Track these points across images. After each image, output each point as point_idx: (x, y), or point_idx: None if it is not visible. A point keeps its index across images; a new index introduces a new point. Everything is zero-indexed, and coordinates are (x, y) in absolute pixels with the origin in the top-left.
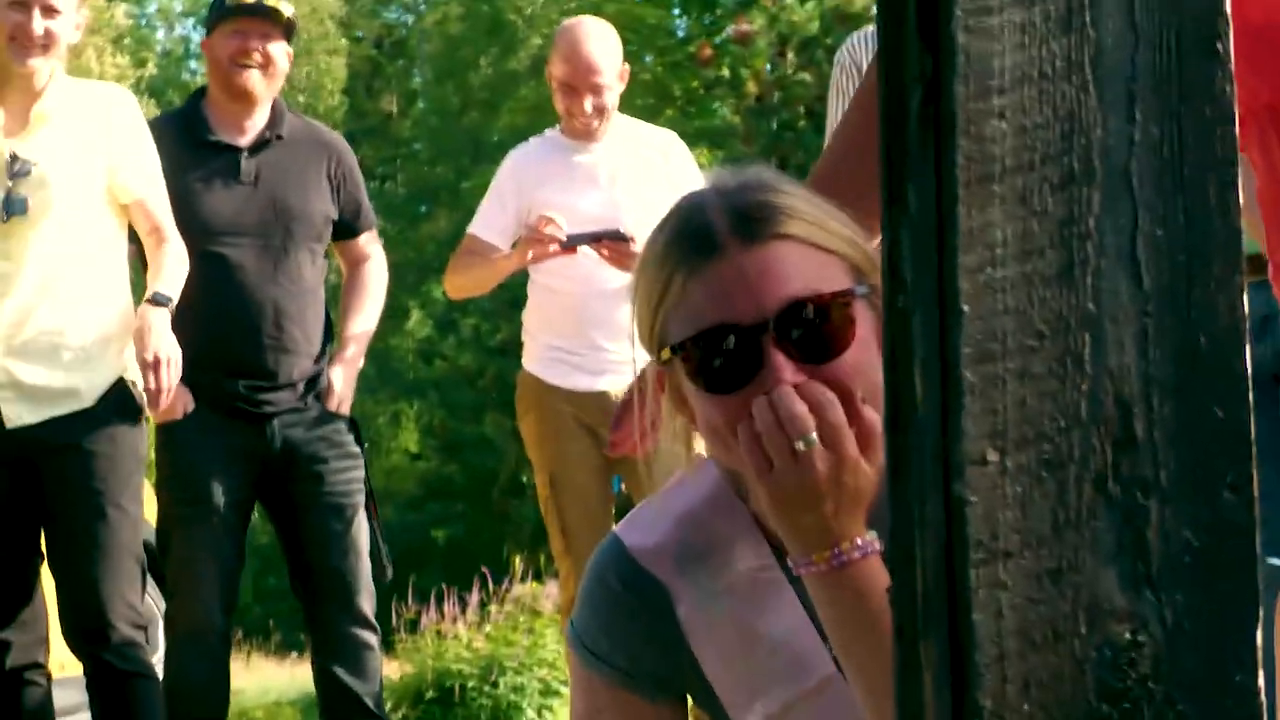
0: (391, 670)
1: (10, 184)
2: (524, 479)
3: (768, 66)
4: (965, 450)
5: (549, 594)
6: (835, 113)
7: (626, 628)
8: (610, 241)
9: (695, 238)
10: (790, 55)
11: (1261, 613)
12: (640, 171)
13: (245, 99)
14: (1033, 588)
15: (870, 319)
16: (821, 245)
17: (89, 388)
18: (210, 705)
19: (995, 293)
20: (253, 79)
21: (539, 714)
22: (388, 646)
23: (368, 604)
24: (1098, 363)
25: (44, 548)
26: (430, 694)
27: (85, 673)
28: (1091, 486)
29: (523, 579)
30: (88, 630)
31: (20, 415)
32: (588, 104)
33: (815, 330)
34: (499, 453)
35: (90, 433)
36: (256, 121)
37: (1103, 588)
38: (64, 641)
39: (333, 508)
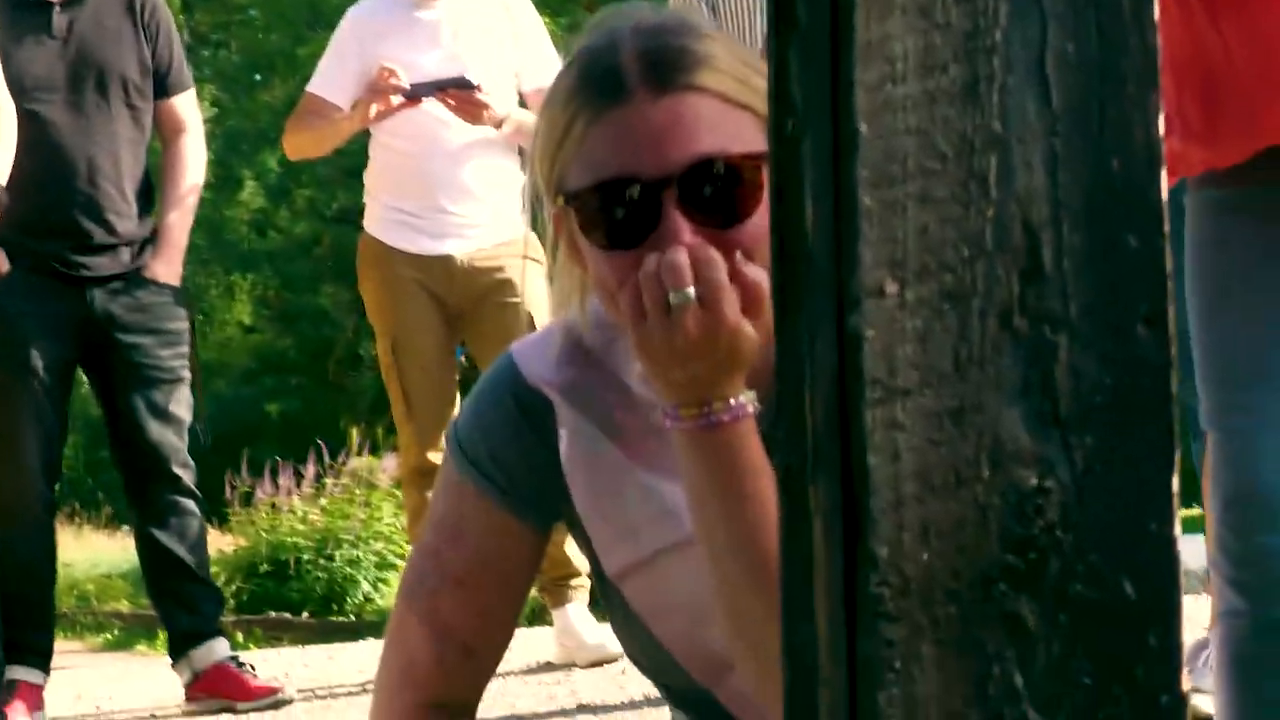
0: (225, 544)
1: None
2: (361, 350)
3: None
4: (861, 281)
5: (385, 467)
6: None
7: (509, 442)
8: (456, 91)
9: (603, 80)
10: None
11: (1178, 457)
12: (483, 27)
13: None
14: (932, 428)
15: None
16: (739, 101)
17: None
18: (38, 574)
19: (895, 111)
20: None
21: (375, 587)
22: (221, 520)
23: (187, 474)
24: (1004, 187)
25: None
26: (265, 567)
27: None
28: (996, 320)
29: (359, 452)
30: None
31: None
32: None
33: (721, 191)
34: (336, 324)
35: None
36: None
37: (1007, 429)
38: None
39: (153, 380)
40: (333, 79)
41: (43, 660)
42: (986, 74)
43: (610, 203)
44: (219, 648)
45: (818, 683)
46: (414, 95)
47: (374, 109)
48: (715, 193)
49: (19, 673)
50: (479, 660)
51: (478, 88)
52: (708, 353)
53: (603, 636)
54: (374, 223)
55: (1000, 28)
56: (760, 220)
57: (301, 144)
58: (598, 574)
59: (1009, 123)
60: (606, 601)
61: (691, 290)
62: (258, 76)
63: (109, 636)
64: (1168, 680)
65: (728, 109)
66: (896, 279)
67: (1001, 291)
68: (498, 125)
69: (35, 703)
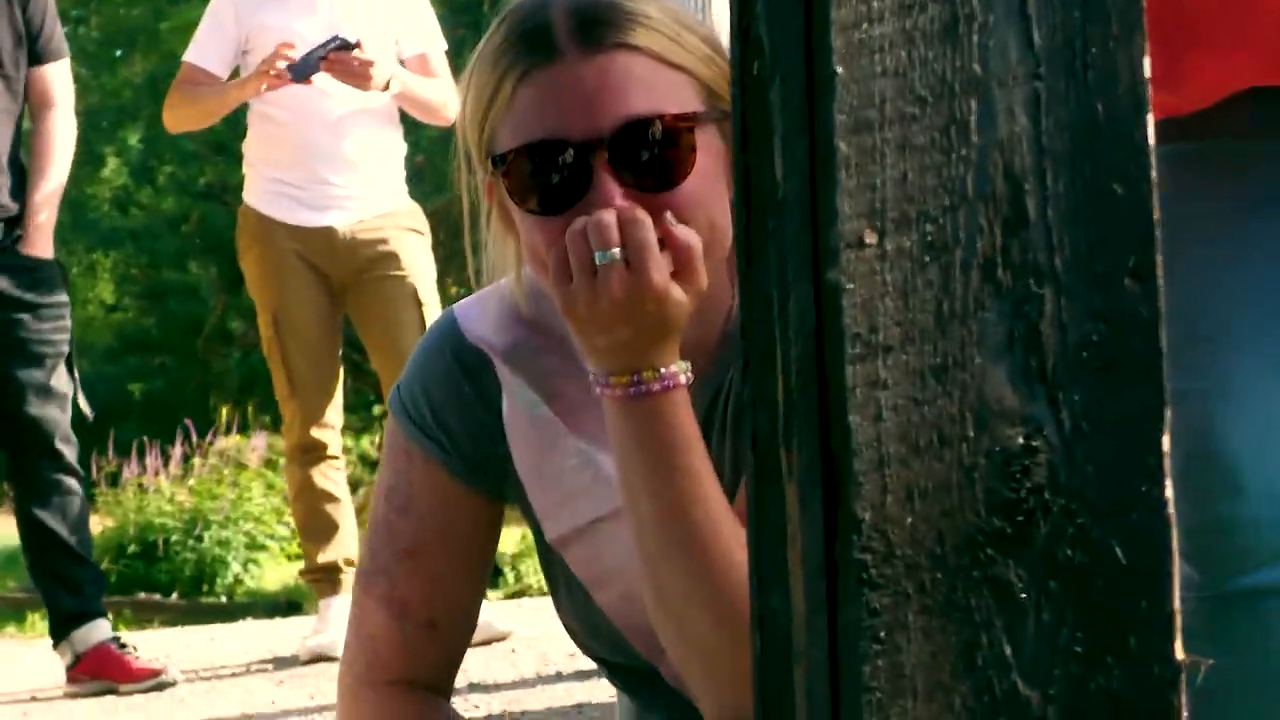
0: (93, 525)
1: None
2: (231, 327)
3: None
4: (840, 232)
5: (254, 446)
6: None
7: (452, 403)
8: (337, 54)
9: (531, 38)
10: None
11: (1169, 414)
12: None
13: None
14: (915, 386)
15: (719, 148)
16: (672, 61)
17: None
18: None
19: (872, 53)
20: None
21: (244, 568)
22: (90, 501)
23: (70, 451)
24: (985, 132)
25: None
26: (133, 548)
27: None
28: (980, 273)
29: (228, 431)
30: None
31: None
32: None
33: (653, 154)
34: (204, 301)
35: None
36: None
37: (992, 386)
38: None
39: (35, 355)
40: (210, 49)
41: None
42: (966, 13)
43: (539, 166)
44: (101, 629)
45: (793, 655)
46: (304, 77)
47: (265, 86)
48: (647, 155)
49: None
50: (443, 635)
51: (357, 44)
52: (633, 316)
53: (489, 615)
54: (254, 195)
55: None
56: (695, 183)
57: (183, 116)
58: (540, 541)
59: (989, 64)
60: (547, 571)
61: (617, 251)
62: (118, 52)
63: None
64: (1161, 648)
65: (661, 68)
66: (875, 229)
67: (984, 242)
68: (384, 87)
69: None
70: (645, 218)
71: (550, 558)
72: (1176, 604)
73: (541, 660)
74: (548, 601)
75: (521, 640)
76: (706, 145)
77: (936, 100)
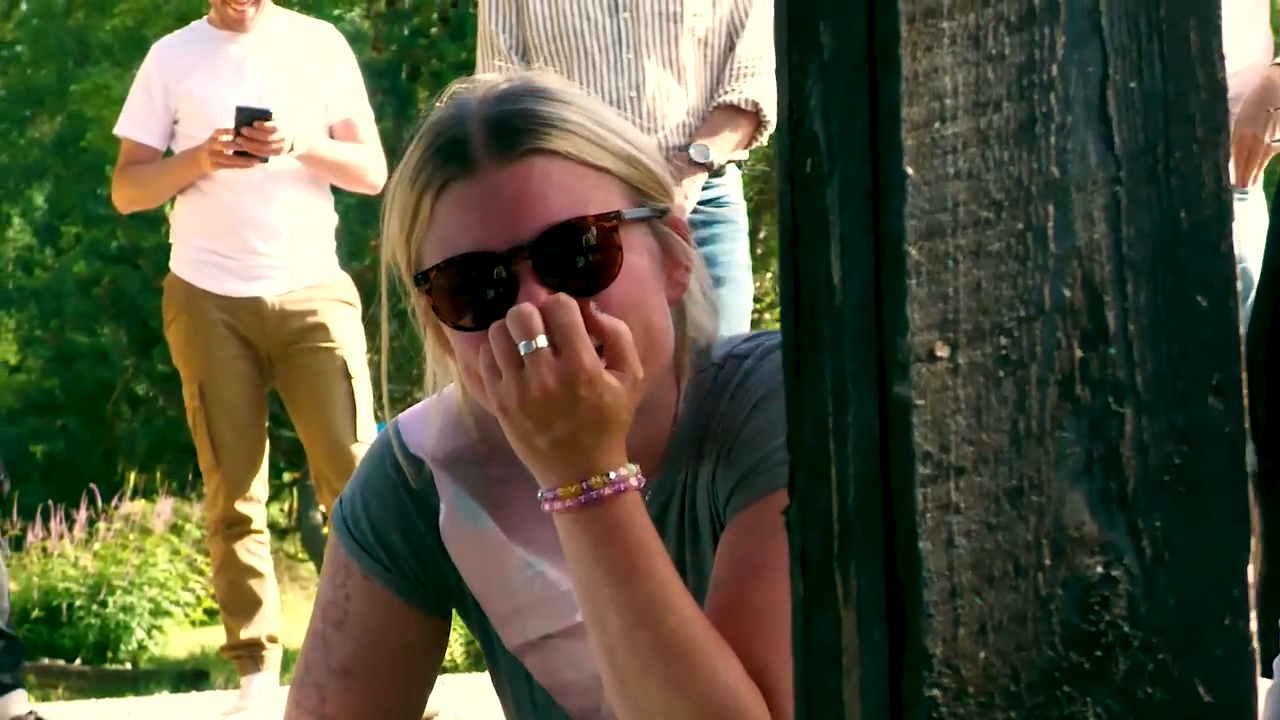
0: None
1: None
2: (139, 391)
3: None
4: (910, 344)
5: (160, 512)
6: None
7: (393, 519)
8: (250, 130)
9: (447, 151)
10: None
11: (1254, 542)
12: (293, 63)
13: None
14: (989, 511)
15: (648, 245)
16: (592, 163)
17: None
18: None
19: (945, 154)
20: None
21: (149, 634)
22: None
23: None
24: (1063, 240)
25: None
26: (36, 613)
27: None
28: (1056, 389)
29: (134, 496)
30: None
31: None
32: None
33: (577, 257)
34: (114, 364)
35: None
36: None
37: (1070, 511)
38: None
39: None
40: (141, 121)
41: None
42: (1044, 112)
43: (464, 280)
44: (17, 701)
45: None
46: (254, 156)
47: (212, 164)
48: (572, 259)
49: None
50: None
51: (266, 113)
52: (568, 405)
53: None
54: (181, 263)
55: (1057, 61)
56: (625, 285)
57: (134, 196)
58: (490, 655)
59: (1068, 168)
60: (502, 683)
61: (542, 339)
62: (27, 112)
63: None
64: None
65: (581, 171)
66: (948, 342)
67: (1061, 357)
68: (290, 150)
69: None
70: (570, 301)
71: (507, 667)
72: None
73: None
74: (476, 678)
75: (451, 719)
76: (634, 245)
77: (1012, 205)
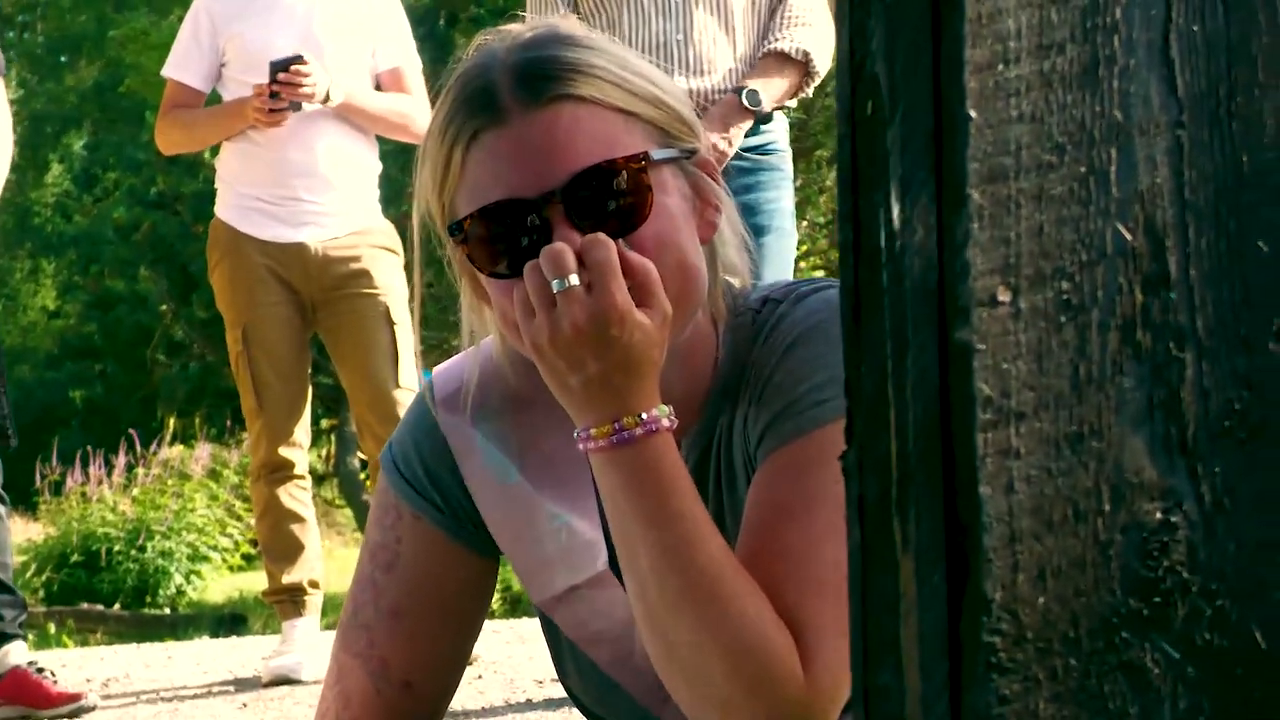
0: (35, 533)
1: None
2: (177, 336)
3: None
4: (972, 288)
5: (198, 457)
6: None
7: (440, 460)
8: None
9: (476, 101)
10: None
11: None
12: (341, 10)
13: None
14: (1050, 456)
15: (678, 186)
16: (619, 106)
17: None
18: None
19: (1008, 96)
20: None
21: (187, 579)
22: (31, 509)
23: None
24: (1125, 184)
25: None
26: (75, 557)
27: None
28: (1117, 334)
29: (172, 442)
30: None
31: None
32: None
33: (608, 200)
34: (153, 310)
35: None
36: None
37: (1130, 456)
38: None
39: None
40: (189, 64)
41: None
42: (1107, 54)
43: (497, 228)
44: (18, 652)
45: None
46: (294, 107)
47: (258, 120)
48: (603, 202)
49: None
50: (420, 695)
51: (299, 59)
52: (599, 345)
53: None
54: (226, 208)
55: (1120, 4)
56: (657, 225)
57: (176, 140)
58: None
59: (1130, 111)
60: (547, 633)
61: (574, 277)
62: (63, 59)
63: None
64: None
65: (608, 115)
66: (1009, 286)
67: (1123, 302)
68: (325, 100)
69: None
70: (607, 239)
71: (546, 618)
72: None
73: (509, 687)
74: (513, 624)
75: (488, 665)
76: (664, 185)
77: (1075, 148)
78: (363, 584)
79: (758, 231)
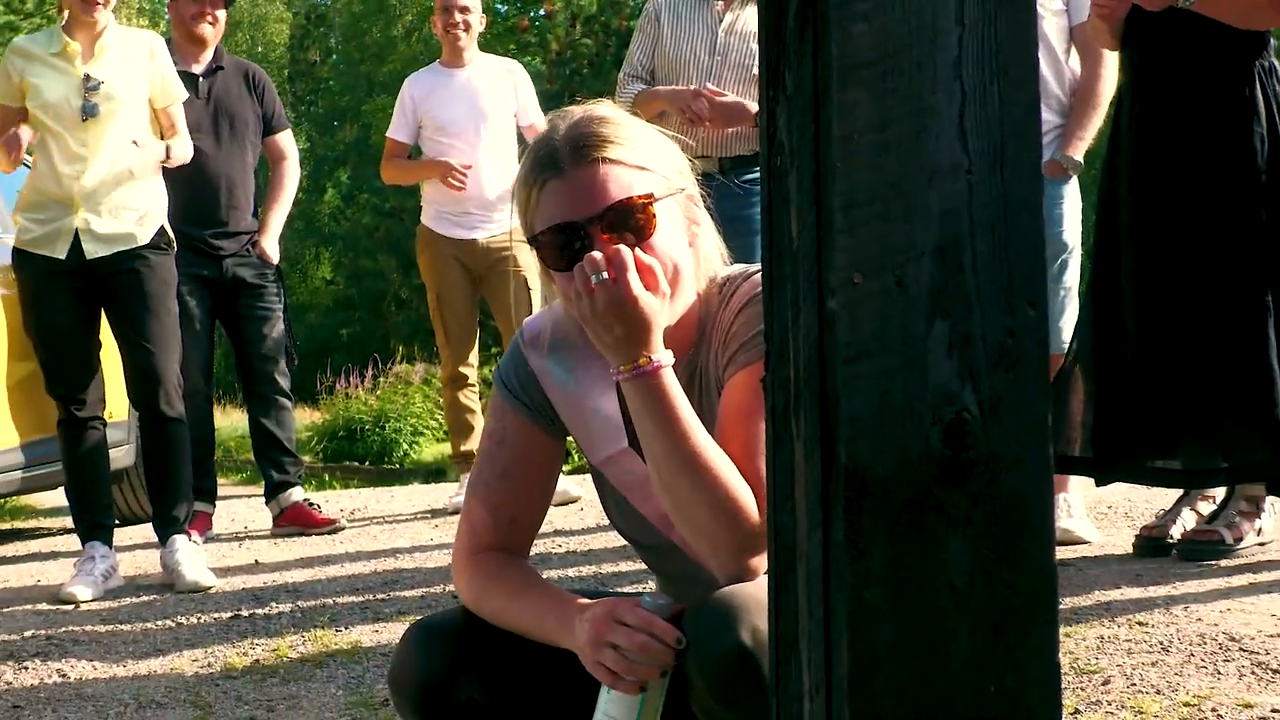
0: (315, 418)
1: (85, 95)
2: (403, 296)
3: (564, 33)
4: (837, 275)
5: (417, 372)
6: (638, 44)
7: (528, 377)
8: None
9: (544, 161)
10: (578, 26)
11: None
12: (497, 88)
13: (200, 43)
14: (888, 379)
15: (673, 213)
16: (636, 164)
17: (142, 233)
18: (205, 441)
19: (862, 156)
20: (205, 30)
21: (410, 447)
22: (314, 403)
23: (284, 381)
24: (932, 212)
25: (113, 336)
26: (340, 433)
27: (141, 418)
28: (930, 302)
29: (400, 361)
30: (148, 389)
31: (95, 250)
32: (457, 15)
33: (628, 223)
34: (387, 279)
35: (144, 260)
36: (205, 57)
37: (937, 378)
38: (126, 397)
39: (262, 318)
40: (399, 127)
41: (210, 497)
42: (927, 126)
43: (558, 240)
44: (298, 493)
45: (797, 556)
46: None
47: (443, 177)
48: (625, 225)
49: (198, 506)
50: (521, 526)
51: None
52: (621, 316)
53: (565, 484)
54: (428, 218)
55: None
56: (660, 239)
57: (393, 177)
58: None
59: (938, 162)
60: (596, 482)
61: (605, 274)
62: (335, 123)
63: (242, 476)
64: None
65: (628, 169)
66: (861, 274)
67: (935, 282)
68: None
69: (207, 525)
70: (625, 249)
71: (597, 473)
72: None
73: (600, 515)
74: None
75: (587, 502)
76: (665, 213)
77: (902, 189)
78: (483, 454)
79: (755, 235)
